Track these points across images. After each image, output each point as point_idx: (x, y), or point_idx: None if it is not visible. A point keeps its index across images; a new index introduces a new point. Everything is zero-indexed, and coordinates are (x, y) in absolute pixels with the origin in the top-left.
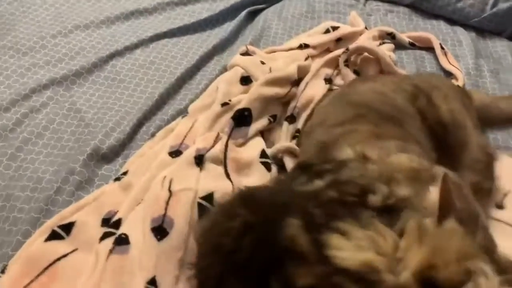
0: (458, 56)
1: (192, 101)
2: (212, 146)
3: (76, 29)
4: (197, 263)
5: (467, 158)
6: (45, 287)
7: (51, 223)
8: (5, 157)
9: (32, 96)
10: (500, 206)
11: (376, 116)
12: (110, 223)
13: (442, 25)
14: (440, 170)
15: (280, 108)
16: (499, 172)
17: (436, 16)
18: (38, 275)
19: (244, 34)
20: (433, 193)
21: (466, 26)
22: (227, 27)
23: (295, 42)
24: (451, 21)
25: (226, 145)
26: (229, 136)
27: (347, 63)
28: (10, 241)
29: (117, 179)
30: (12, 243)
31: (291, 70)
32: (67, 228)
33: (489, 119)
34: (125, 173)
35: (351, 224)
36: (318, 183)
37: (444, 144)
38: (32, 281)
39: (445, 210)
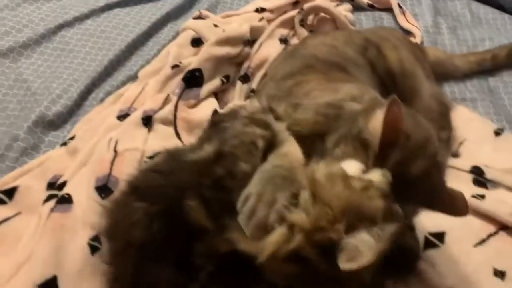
0: (417, 15)
1: (143, 67)
2: (161, 108)
3: (24, 2)
4: (112, 261)
5: (419, 106)
6: None
7: None
8: None
9: None
10: (455, 155)
11: (325, 66)
12: (55, 186)
13: None
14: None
15: (233, 68)
16: (455, 122)
17: None
18: None
19: (201, 1)
20: (377, 116)
21: None
22: None
23: (251, 7)
24: None
25: (176, 106)
26: (179, 97)
27: (302, 23)
28: None
29: (64, 144)
30: None
31: (243, 29)
32: (10, 193)
33: (445, 75)
34: (72, 138)
35: None
36: (206, 150)
37: (394, 93)
38: None
39: (390, 135)
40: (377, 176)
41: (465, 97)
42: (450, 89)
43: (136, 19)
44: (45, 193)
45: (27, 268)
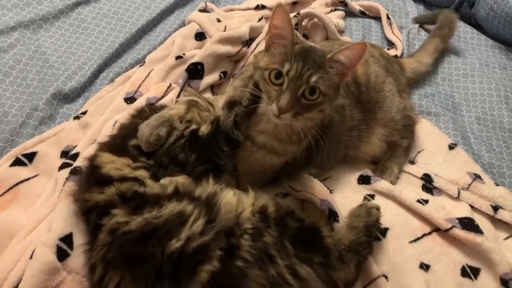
0: (403, 26)
1: (150, 52)
2: (163, 96)
3: None
4: None
5: (384, 117)
6: (9, 203)
7: (16, 151)
8: None
9: (0, 37)
10: (412, 162)
11: None
12: (69, 155)
13: None
14: None
15: (230, 65)
16: (418, 133)
17: None
18: (3, 194)
19: None
20: None
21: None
22: None
23: (252, 2)
24: None
25: (178, 96)
26: (182, 88)
27: (297, 26)
28: None
29: (76, 117)
30: None
31: (243, 30)
32: (30, 156)
33: (422, 76)
34: (84, 113)
35: None
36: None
37: (358, 100)
38: None
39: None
40: None
41: (430, 111)
42: (419, 103)
43: (146, 3)
44: (59, 161)
45: (51, 226)
